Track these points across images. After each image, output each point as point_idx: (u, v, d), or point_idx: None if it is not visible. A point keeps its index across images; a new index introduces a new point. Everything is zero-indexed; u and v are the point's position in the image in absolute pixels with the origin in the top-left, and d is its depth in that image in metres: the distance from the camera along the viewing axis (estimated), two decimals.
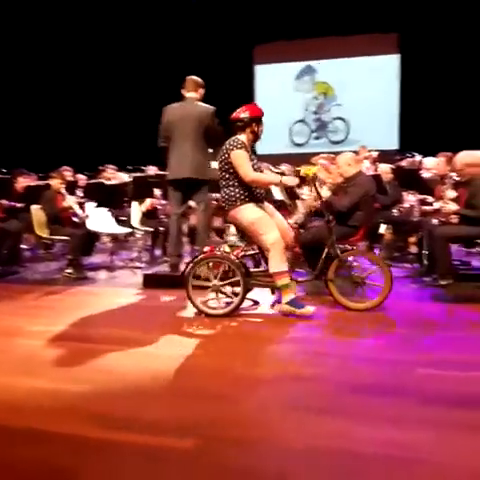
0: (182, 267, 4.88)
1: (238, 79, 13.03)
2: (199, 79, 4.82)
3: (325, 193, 4.99)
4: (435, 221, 4.75)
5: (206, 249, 3.99)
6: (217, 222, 6.65)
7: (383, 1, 11.55)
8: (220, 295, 3.86)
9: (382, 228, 6.21)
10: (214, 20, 12.50)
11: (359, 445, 1.90)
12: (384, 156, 8.43)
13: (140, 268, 5.72)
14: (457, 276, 4.14)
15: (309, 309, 3.61)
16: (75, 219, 5.76)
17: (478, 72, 11.17)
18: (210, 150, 5.04)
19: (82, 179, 7.79)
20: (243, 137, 3.80)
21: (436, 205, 5.03)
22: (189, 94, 4.77)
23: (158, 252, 6.38)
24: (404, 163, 6.96)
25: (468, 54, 11.20)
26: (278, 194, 6.40)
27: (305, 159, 8.12)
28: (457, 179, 4.86)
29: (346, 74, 12.94)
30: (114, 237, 6.24)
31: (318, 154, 7.77)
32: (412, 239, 5.70)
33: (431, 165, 6.01)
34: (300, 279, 3.94)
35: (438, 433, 1.97)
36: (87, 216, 5.86)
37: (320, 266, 3.83)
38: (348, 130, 12.98)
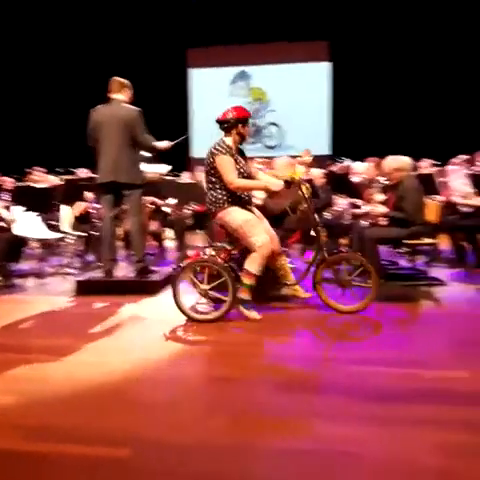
0: (116, 272, 4.77)
1: (172, 82, 12.95)
2: (124, 80, 4.72)
3: (260, 195, 5.05)
4: (365, 223, 4.94)
5: (191, 253, 3.90)
6: (153, 226, 6.55)
7: (314, 9, 11.90)
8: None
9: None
10: (146, 22, 12.35)
11: (303, 443, 1.92)
12: (317, 161, 8.65)
13: (72, 274, 5.52)
14: (386, 276, 4.31)
15: (255, 314, 3.64)
16: (1, 224, 5.46)
17: (406, 80, 11.72)
18: (147, 153, 4.95)
19: (9, 182, 7.41)
20: (229, 140, 3.77)
21: (366, 208, 5.24)
22: (115, 96, 4.67)
23: (91, 257, 6.19)
24: (335, 168, 7.19)
25: (397, 62, 11.74)
26: None
27: None
28: (386, 183, 5.08)
29: (280, 80, 13.20)
30: (44, 242, 5.98)
31: (253, 159, 7.86)
32: (343, 241, 5.89)
33: (360, 170, 6.25)
34: (289, 283, 3.93)
35: (383, 429, 2.03)
36: (13, 220, 5.57)
37: (307, 269, 3.85)
38: (282, 135, 13.25)
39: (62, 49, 12.36)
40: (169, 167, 6.14)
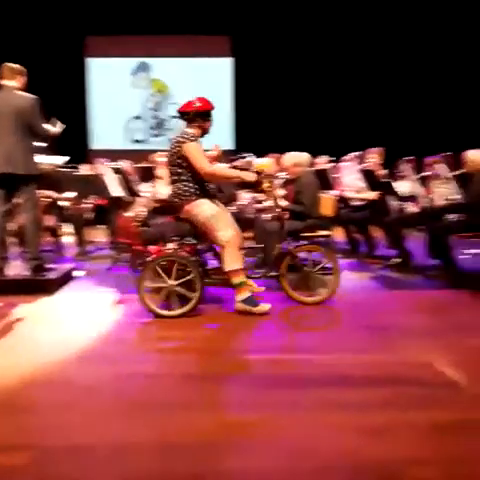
0: (8, 270, 4.48)
1: (69, 71, 12.34)
2: (17, 66, 4.42)
3: (164, 191, 5.00)
4: (267, 217, 5.08)
5: (152, 248, 3.76)
6: (49, 221, 6.22)
7: (216, 4, 11.94)
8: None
9: None
10: (43, 5, 11.63)
11: (190, 436, 1.92)
12: (224, 155, 8.73)
13: None
14: (287, 267, 4.47)
15: (264, 306, 3.58)
16: None
17: (306, 77, 12.15)
18: (43, 143, 4.68)
19: None
20: (192, 130, 3.68)
21: (267, 203, 5.38)
22: (6, 82, 4.36)
23: None
24: (238, 163, 7.28)
25: (297, 59, 12.12)
26: (116, 190, 6.23)
27: (144, 156, 8.04)
28: (286, 178, 5.26)
29: (182, 73, 13.12)
30: None
31: (157, 151, 7.76)
32: (248, 234, 6.00)
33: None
34: (254, 275, 3.86)
35: (269, 415, 2.10)
36: None
37: (272, 261, 3.85)
38: None
39: None
40: (66, 158, 5.86)
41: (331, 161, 7.20)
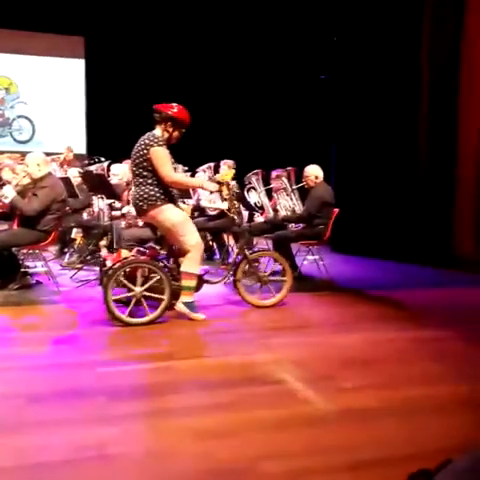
0: None
1: None
2: None
3: (10, 194, 4.71)
4: (122, 224, 5.10)
5: (111, 256, 3.68)
6: None
7: (69, 3, 11.44)
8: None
9: (73, 232, 6.25)
10: None
11: (48, 456, 1.85)
12: (72, 160, 8.44)
13: None
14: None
15: (201, 316, 3.66)
16: None
17: (161, 83, 12.12)
18: None
19: None
20: (159, 132, 3.59)
21: (124, 210, 5.40)
22: None
23: None
24: (92, 168, 7.14)
25: (153, 64, 12.03)
26: None
27: None
28: None
29: (31, 72, 12.32)
30: None
31: (2, 153, 7.26)
32: (103, 242, 5.92)
33: (118, 171, 6.37)
34: (214, 280, 3.96)
35: (126, 426, 2.08)
36: None
37: (230, 267, 4.06)
38: (34, 130, 12.41)
39: None
40: None
41: (185, 171, 7.41)
